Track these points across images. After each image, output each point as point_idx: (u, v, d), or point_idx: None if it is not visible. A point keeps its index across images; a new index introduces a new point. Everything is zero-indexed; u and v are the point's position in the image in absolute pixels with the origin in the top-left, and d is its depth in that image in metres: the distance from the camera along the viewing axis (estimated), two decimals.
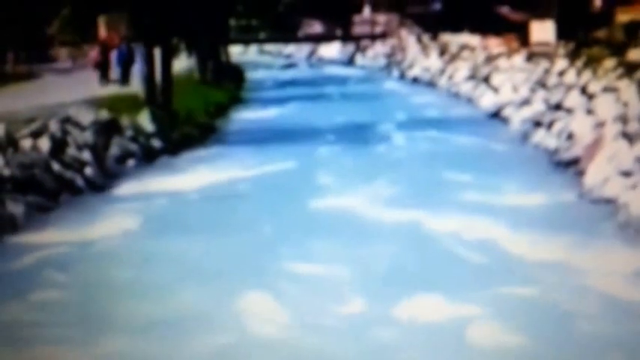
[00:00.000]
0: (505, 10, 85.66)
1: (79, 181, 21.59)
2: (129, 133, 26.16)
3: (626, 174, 18.68)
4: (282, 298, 13.31)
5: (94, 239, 17.15)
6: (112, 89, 33.29)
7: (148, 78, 30.86)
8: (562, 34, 55.55)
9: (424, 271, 14.64)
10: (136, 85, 31.56)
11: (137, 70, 31.61)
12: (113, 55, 35.04)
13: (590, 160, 21.17)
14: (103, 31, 67.51)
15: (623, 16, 62.31)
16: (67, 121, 24.22)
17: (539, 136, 27.99)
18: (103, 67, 34.17)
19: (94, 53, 36.96)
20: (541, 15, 76.21)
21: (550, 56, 39.22)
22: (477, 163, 24.92)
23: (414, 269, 14.76)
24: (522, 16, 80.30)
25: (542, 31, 71.35)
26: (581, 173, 21.21)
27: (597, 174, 19.85)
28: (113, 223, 18.30)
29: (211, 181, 22.76)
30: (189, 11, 45.23)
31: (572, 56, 36.13)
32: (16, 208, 18.39)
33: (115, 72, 34.70)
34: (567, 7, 74.03)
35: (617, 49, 34.57)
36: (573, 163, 22.79)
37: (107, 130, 25.04)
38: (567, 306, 12.81)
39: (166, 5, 32.74)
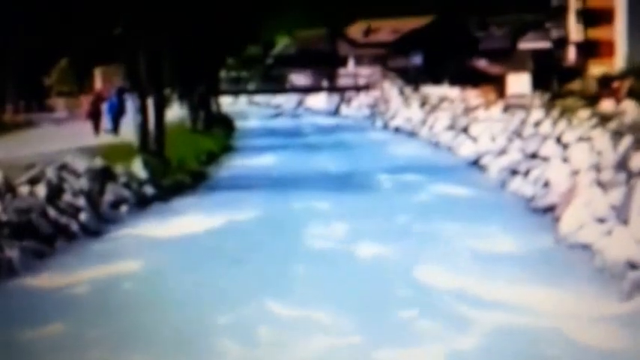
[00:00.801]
0: (482, 63, 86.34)
1: (74, 227, 21.43)
2: (122, 180, 26.06)
3: (601, 220, 18.64)
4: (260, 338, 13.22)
5: (88, 284, 16.97)
6: (106, 138, 33.21)
7: (142, 127, 30.80)
8: (537, 86, 55.84)
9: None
10: (129, 134, 31.49)
11: (130, 119, 31.53)
12: (105, 106, 34.90)
13: (565, 207, 21.14)
14: (99, 82, 67.74)
15: (595, 69, 62.83)
16: (63, 168, 24.12)
17: (517, 183, 28.01)
18: (94, 118, 33.99)
19: (86, 104, 36.83)
20: (517, 68, 76.77)
21: (526, 107, 39.33)
22: (457, 210, 24.87)
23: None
24: (499, 69, 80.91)
25: (519, 83, 71.80)
26: (557, 219, 21.18)
27: (573, 220, 19.81)
28: (107, 267, 18.14)
29: (201, 227, 22.59)
30: (183, 63, 45.41)
31: (548, 107, 36.23)
32: (12, 252, 18.22)
33: (106, 122, 34.54)
34: (542, 60, 74.69)
35: (591, 101, 34.71)
36: (550, 209, 22.78)
37: (101, 177, 24.95)
38: (541, 350, 12.69)
39: (160, 57, 32.78)
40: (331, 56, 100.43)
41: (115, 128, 33.85)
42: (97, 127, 33.73)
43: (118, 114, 34.03)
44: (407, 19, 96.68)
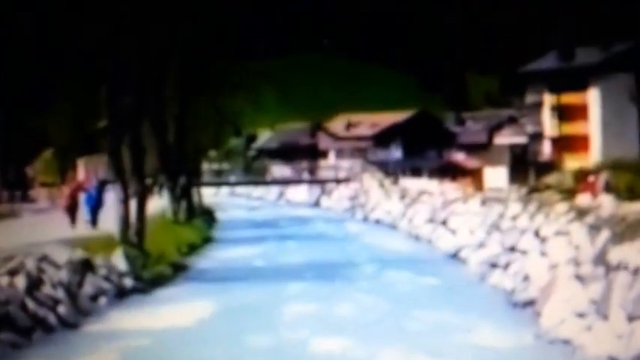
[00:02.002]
0: (460, 157, 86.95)
1: (52, 319, 20.96)
2: (102, 272, 25.66)
3: (581, 315, 18.40)
4: None
5: None
6: (87, 229, 32.84)
7: (123, 218, 30.51)
8: (514, 180, 56.06)
9: None
10: (110, 225, 31.14)
11: (110, 210, 31.21)
12: (83, 198, 34.39)
13: (545, 302, 20.91)
14: (82, 173, 67.62)
15: (571, 163, 63.39)
16: (43, 259, 23.73)
17: (496, 277, 27.80)
18: (71, 210, 33.50)
19: (64, 196, 36.14)
20: (494, 162, 77.34)
21: (504, 201, 39.37)
22: (436, 303, 24.59)
23: None
24: (476, 162, 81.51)
25: (496, 177, 72.25)
26: (537, 314, 20.92)
27: (553, 315, 19.57)
28: None
29: (180, 320, 22.22)
30: (165, 155, 45.42)
31: (525, 201, 36.27)
32: None
33: (84, 214, 33.95)
34: (518, 154, 75.33)
35: (567, 194, 34.80)
36: (530, 303, 22.52)
37: (81, 268, 24.53)
38: None
39: (143, 149, 32.70)
40: (312, 149, 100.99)
41: (94, 221, 33.38)
42: (73, 220, 33.24)
43: (96, 206, 33.60)
44: (387, 114, 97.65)
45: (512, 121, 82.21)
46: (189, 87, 47.51)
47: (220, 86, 50.55)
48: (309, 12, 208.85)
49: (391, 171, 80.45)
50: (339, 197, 76.63)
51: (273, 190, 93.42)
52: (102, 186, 35.06)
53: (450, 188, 55.26)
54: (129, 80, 31.08)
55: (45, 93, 75.69)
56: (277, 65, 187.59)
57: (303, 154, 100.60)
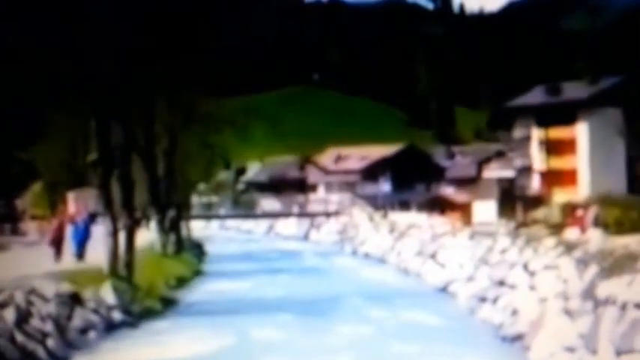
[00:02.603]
0: (449, 191, 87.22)
1: (41, 353, 20.85)
2: (91, 305, 25.57)
3: (570, 350, 18.42)
4: None
5: None
6: (75, 262, 32.74)
7: (112, 251, 30.45)
8: (503, 214, 56.19)
9: None
10: (98, 258, 31.06)
11: (99, 243, 31.12)
12: (70, 231, 34.20)
13: (534, 336, 20.92)
14: (72, 206, 67.45)
15: (559, 196, 63.60)
16: (31, 292, 23.64)
17: (485, 311, 27.80)
18: (57, 244, 33.28)
19: (50, 229, 35.88)
20: (482, 196, 77.59)
21: (492, 234, 39.45)
22: (426, 338, 24.53)
23: None
24: (465, 196, 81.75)
25: (484, 210, 72.46)
26: (526, 348, 20.93)
27: (542, 349, 19.58)
28: None
29: (169, 354, 22.15)
30: (154, 188, 45.44)
31: (514, 235, 36.37)
32: None
33: (72, 247, 33.73)
34: (507, 188, 75.57)
35: (556, 229, 34.94)
36: (519, 337, 22.52)
37: (70, 302, 24.45)
38: None
39: (132, 183, 32.69)
40: (301, 182, 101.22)
41: (81, 254, 33.23)
42: (58, 253, 33.05)
43: (83, 239, 33.46)
44: (376, 147, 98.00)
45: (500, 155, 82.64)
46: (178, 122, 47.70)
47: (209, 122, 50.72)
48: (299, 46, 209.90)
49: (380, 204, 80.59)
50: (328, 231, 76.66)
51: (263, 224, 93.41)
52: (91, 219, 34.99)
53: (439, 222, 55.39)
54: (118, 115, 31.17)
55: (34, 126, 75.87)
56: (267, 99, 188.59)
57: (293, 187, 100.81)
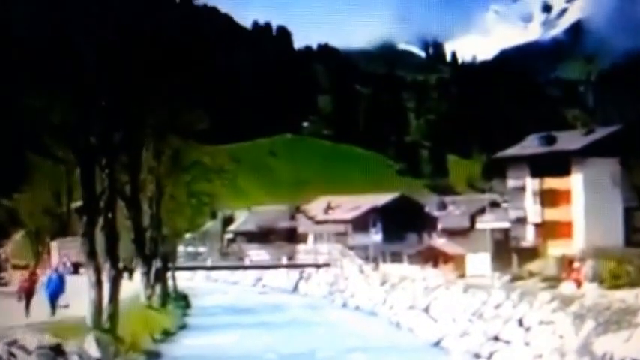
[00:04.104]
0: (441, 242, 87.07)
1: None
2: (74, 358, 25.33)
3: None
4: None
5: None
6: (58, 314, 32.45)
7: (96, 302, 30.24)
8: (497, 266, 56.13)
9: None
10: (81, 309, 30.79)
11: (84, 293, 30.88)
12: (43, 282, 33.49)
13: None
14: (55, 256, 67.16)
15: (554, 249, 63.57)
16: (13, 344, 23.45)
17: None
18: (28, 296, 32.63)
19: (22, 281, 35.26)
20: (476, 248, 77.51)
21: (486, 288, 39.43)
22: None
23: None
24: (458, 248, 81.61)
25: (478, 263, 72.29)
26: None
27: None
28: None
29: None
30: (140, 238, 45.30)
31: (508, 288, 36.35)
32: None
33: (42, 299, 32.95)
34: (501, 240, 75.49)
35: (551, 282, 34.96)
36: None
37: (52, 354, 24.24)
38: None
39: (116, 233, 32.59)
40: (291, 232, 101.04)
41: (52, 306, 32.53)
42: (27, 305, 32.46)
43: (56, 292, 32.74)
44: (367, 196, 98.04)
45: (494, 205, 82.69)
46: (165, 170, 47.75)
47: (197, 170, 50.80)
48: (290, 95, 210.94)
49: (371, 255, 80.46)
50: (317, 282, 76.41)
51: (251, 275, 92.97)
52: (75, 268, 34.73)
53: (432, 274, 55.33)
54: (103, 162, 31.18)
55: (17, 172, 75.83)
56: (257, 147, 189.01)
57: (282, 237, 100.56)
